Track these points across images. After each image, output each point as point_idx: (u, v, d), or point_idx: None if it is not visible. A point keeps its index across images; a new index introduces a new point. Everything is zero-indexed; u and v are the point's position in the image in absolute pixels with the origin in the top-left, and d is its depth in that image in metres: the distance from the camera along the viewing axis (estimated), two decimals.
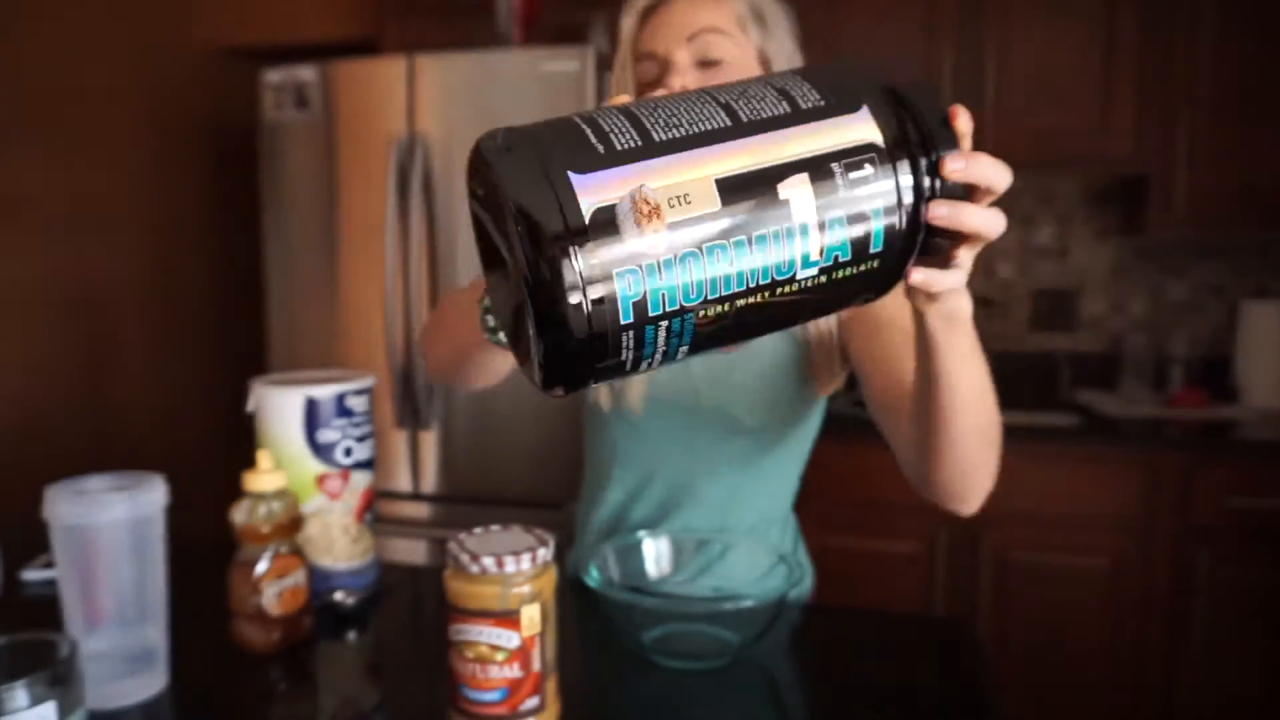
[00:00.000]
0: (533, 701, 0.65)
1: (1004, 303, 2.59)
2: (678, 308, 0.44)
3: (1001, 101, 2.23)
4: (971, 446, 0.71)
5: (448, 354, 0.88)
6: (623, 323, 0.43)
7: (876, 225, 0.48)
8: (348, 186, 2.11)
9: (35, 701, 0.56)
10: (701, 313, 0.45)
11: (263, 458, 0.82)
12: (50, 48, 2.31)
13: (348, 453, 0.93)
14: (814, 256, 0.46)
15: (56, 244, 2.35)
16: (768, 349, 0.96)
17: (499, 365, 0.85)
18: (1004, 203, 2.59)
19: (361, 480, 0.95)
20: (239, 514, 0.80)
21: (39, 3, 2.28)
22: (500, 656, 0.63)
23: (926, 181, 0.49)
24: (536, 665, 0.65)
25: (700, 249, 0.43)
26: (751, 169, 0.45)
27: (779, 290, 0.47)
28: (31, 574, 1.01)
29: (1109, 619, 2.01)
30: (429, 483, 2.13)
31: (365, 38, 2.64)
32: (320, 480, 0.92)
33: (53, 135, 2.33)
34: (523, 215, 0.42)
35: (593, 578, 0.81)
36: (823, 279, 0.48)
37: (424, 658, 0.84)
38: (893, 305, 0.85)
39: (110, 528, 0.72)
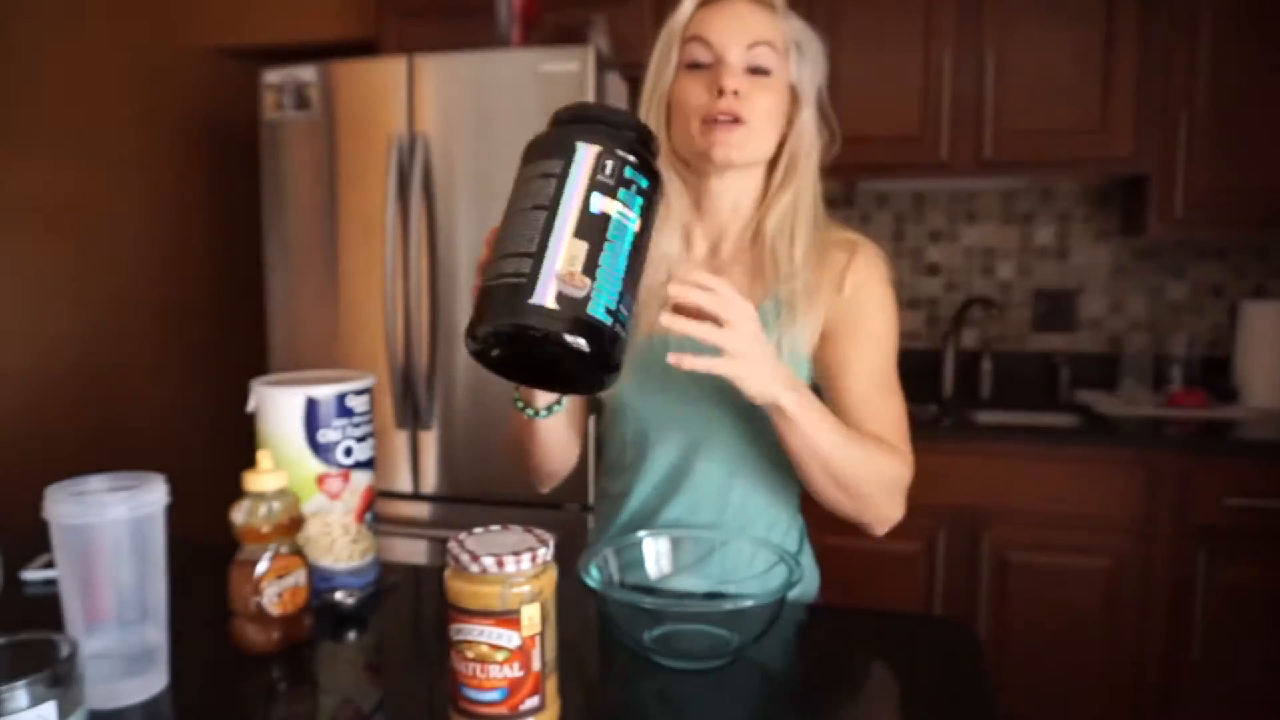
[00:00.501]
0: (533, 701, 0.65)
1: (1004, 303, 2.59)
2: (617, 294, 0.70)
3: (1001, 102, 2.23)
4: (834, 498, 0.90)
5: (525, 456, 1.01)
6: (613, 322, 0.70)
7: (641, 178, 0.73)
8: (348, 186, 2.11)
9: (36, 701, 0.57)
10: (622, 293, 0.71)
11: (263, 458, 0.82)
12: (50, 48, 2.31)
13: (348, 453, 0.94)
14: (631, 215, 0.72)
15: (56, 244, 2.35)
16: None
17: (556, 437, 0.99)
18: (1005, 204, 2.58)
19: (362, 480, 0.95)
20: (239, 514, 0.80)
21: (39, 3, 2.28)
22: (500, 656, 0.63)
23: (634, 155, 0.73)
24: (536, 665, 0.65)
25: (592, 272, 0.69)
26: (580, 216, 0.69)
27: (632, 237, 0.72)
28: (32, 574, 1.01)
29: (1108, 618, 2.01)
30: (429, 483, 2.14)
31: (365, 38, 2.64)
32: (320, 480, 0.92)
33: (53, 135, 2.33)
34: (551, 332, 0.67)
35: (593, 578, 0.81)
36: (641, 220, 0.73)
37: (424, 657, 0.84)
38: (853, 327, 0.96)
39: (111, 528, 0.72)
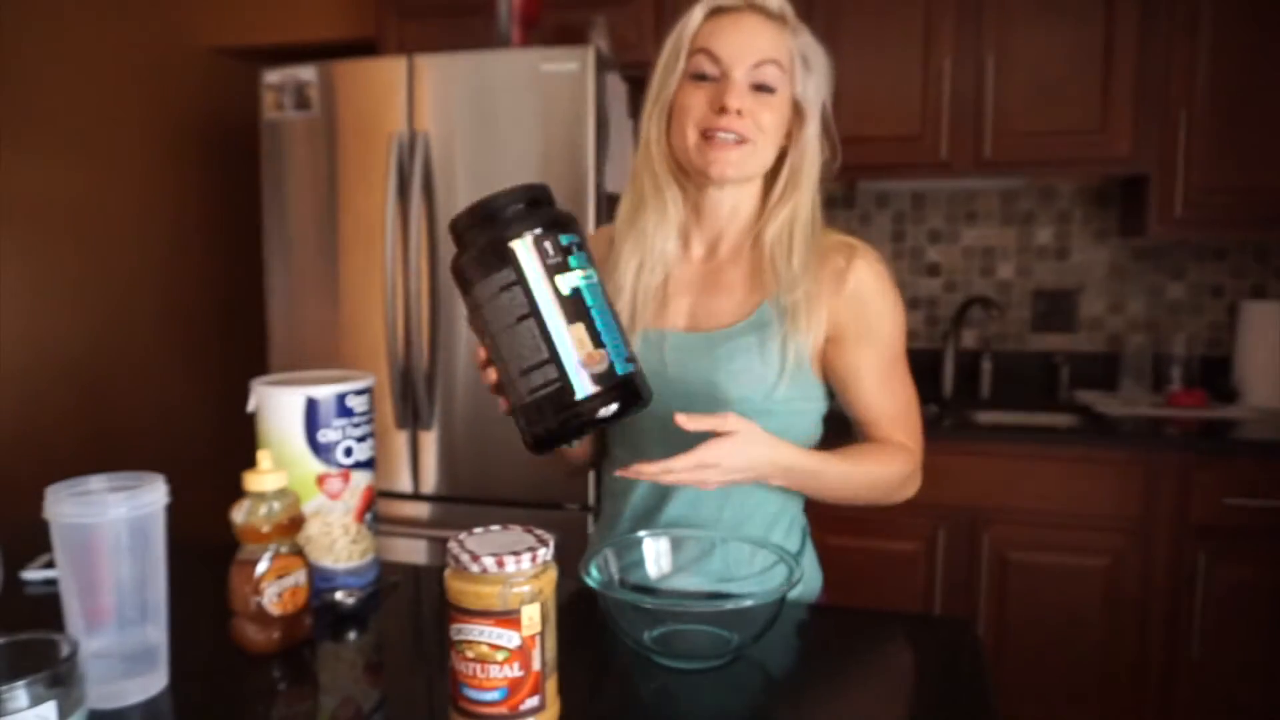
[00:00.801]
0: (533, 701, 0.65)
1: (1004, 303, 2.59)
2: (621, 339, 0.80)
3: (1001, 102, 2.23)
4: (860, 502, 1.00)
5: (559, 460, 1.12)
6: (634, 365, 0.81)
7: (569, 235, 0.79)
8: (348, 187, 2.11)
9: (36, 701, 0.57)
10: (621, 335, 0.80)
11: (263, 458, 0.82)
12: (52, 49, 2.31)
13: (348, 453, 0.94)
14: (587, 270, 0.79)
15: (57, 243, 2.35)
16: (738, 322, 0.99)
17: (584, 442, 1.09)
18: (1004, 204, 2.58)
19: (362, 480, 0.95)
20: (239, 514, 0.80)
21: (40, 3, 2.28)
22: (500, 656, 0.64)
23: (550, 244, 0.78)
24: (537, 665, 0.65)
25: (599, 340, 0.77)
26: (560, 305, 0.76)
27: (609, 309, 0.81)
28: (32, 574, 1.01)
29: (1108, 618, 2.01)
30: (429, 483, 2.14)
31: (365, 38, 2.64)
32: (320, 480, 0.92)
33: (53, 136, 2.33)
34: (608, 412, 0.77)
35: (593, 578, 0.81)
36: (591, 266, 0.81)
37: (424, 657, 0.84)
38: (857, 329, 0.98)
39: (111, 527, 0.72)
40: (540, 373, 0.76)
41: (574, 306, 0.76)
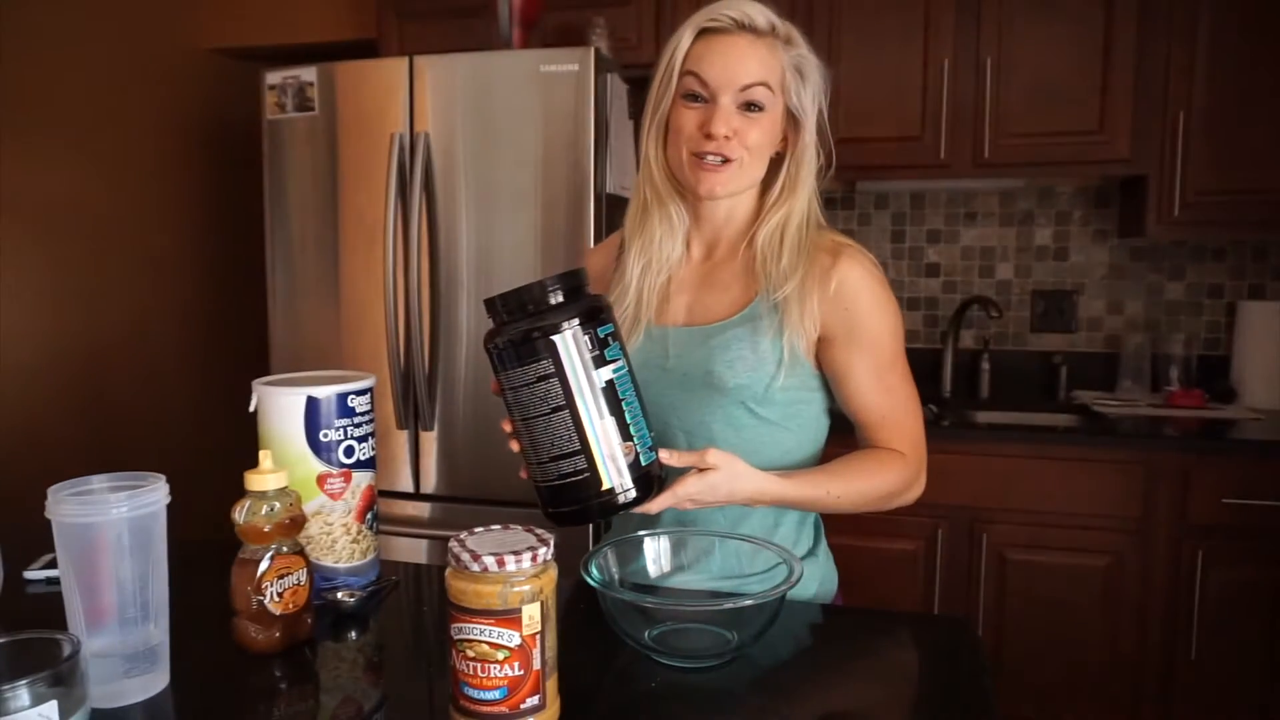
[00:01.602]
0: (533, 700, 0.65)
1: (1003, 303, 2.59)
2: (647, 429, 0.84)
3: (1000, 103, 2.23)
4: (857, 511, 1.00)
5: None
6: (655, 455, 0.85)
7: (606, 325, 0.81)
8: (349, 187, 2.12)
9: (38, 700, 0.57)
10: (649, 423, 0.85)
11: (264, 457, 0.82)
12: (52, 50, 2.32)
13: (349, 452, 0.94)
14: (621, 361, 0.82)
15: (58, 243, 2.35)
16: (731, 316, 1.01)
17: None
18: (1003, 204, 2.58)
19: (363, 480, 0.96)
20: (240, 513, 0.81)
21: (45, 8, 2.28)
22: (501, 655, 0.64)
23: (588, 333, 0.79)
24: (537, 664, 0.65)
25: (628, 432, 0.80)
26: (594, 399, 0.78)
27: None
28: (34, 573, 1.01)
29: (1107, 617, 2.02)
30: (430, 483, 2.14)
31: (366, 39, 2.64)
32: (321, 480, 0.93)
33: (54, 136, 2.33)
34: (629, 503, 0.82)
35: (593, 577, 0.81)
36: (624, 355, 0.83)
37: (425, 656, 0.85)
38: (845, 329, 0.98)
39: (113, 527, 0.72)
40: (569, 462, 0.78)
41: (608, 399, 0.78)
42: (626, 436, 0.79)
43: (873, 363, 0.99)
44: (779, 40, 0.97)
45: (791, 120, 1.00)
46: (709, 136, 0.95)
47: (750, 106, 0.96)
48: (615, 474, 0.79)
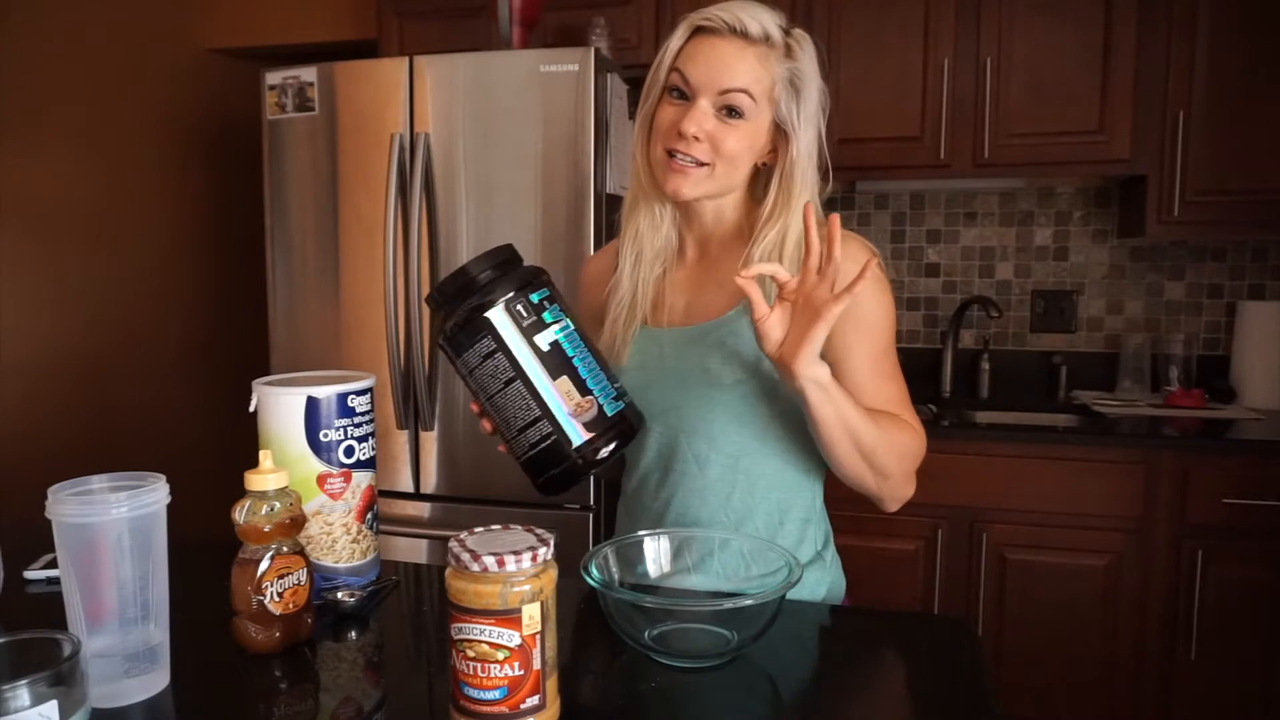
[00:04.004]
0: (533, 700, 0.65)
1: (1003, 303, 2.59)
2: (606, 379, 0.86)
3: (1000, 103, 2.23)
4: (859, 475, 0.94)
5: None
6: (624, 401, 0.88)
7: (541, 290, 0.84)
8: (349, 187, 2.12)
9: (38, 700, 0.57)
10: (607, 373, 0.88)
11: (264, 457, 0.82)
12: (55, 50, 2.32)
13: (349, 452, 0.94)
14: (563, 321, 0.84)
15: (59, 243, 2.35)
16: (728, 311, 1.01)
17: None
18: (1003, 204, 2.58)
19: (363, 480, 0.96)
20: (240, 513, 0.81)
21: (46, 7, 2.28)
22: (501, 655, 0.64)
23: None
24: (537, 664, 0.65)
25: (584, 388, 0.82)
26: (542, 363, 0.81)
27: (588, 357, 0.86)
28: (34, 573, 1.01)
29: (1107, 617, 2.02)
30: (430, 483, 2.14)
31: (366, 39, 2.64)
32: (321, 480, 0.93)
33: (54, 136, 2.33)
34: (607, 454, 0.85)
35: (593, 577, 0.81)
36: (567, 315, 0.86)
37: (425, 657, 0.85)
38: (845, 315, 0.94)
39: (113, 527, 0.72)
40: (535, 429, 0.81)
41: (555, 361, 0.81)
42: (585, 392, 0.81)
43: (870, 349, 0.98)
44: (774, 50, 0.95)
45: (780, 133, 0.98)
46: (680, 135, 0.94)
47: (730, 112, 0.94)
48: (582, 430, 0.81)
